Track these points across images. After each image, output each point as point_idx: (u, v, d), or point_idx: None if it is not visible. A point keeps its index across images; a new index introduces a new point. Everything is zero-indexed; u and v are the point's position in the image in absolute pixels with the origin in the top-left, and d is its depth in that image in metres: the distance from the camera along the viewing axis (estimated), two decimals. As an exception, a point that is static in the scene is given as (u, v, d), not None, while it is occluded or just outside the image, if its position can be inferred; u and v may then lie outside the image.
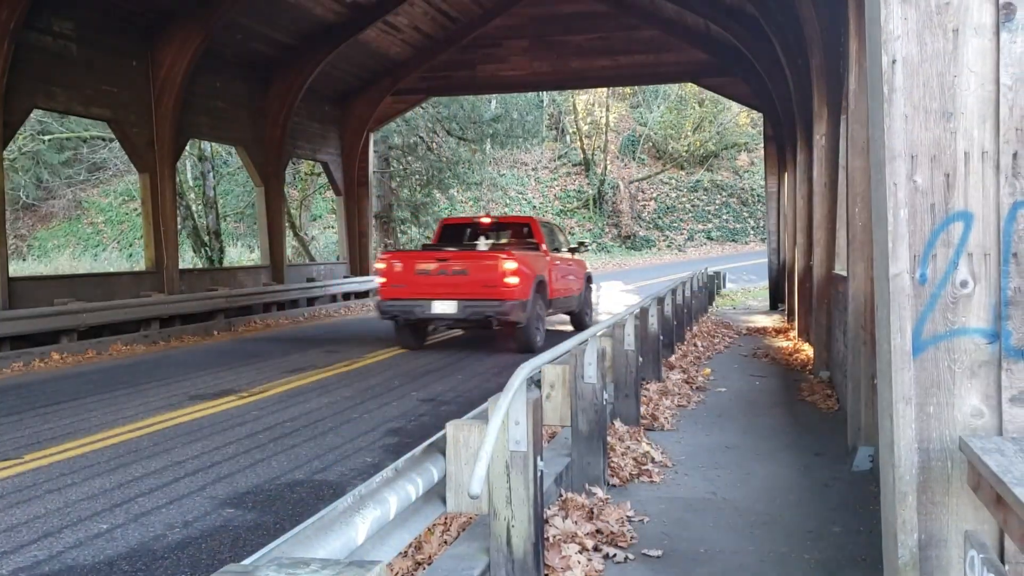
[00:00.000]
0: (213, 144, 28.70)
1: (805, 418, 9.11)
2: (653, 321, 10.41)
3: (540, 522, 4.47)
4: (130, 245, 42.45)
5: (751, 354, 13.93)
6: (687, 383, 10.84)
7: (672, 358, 12.24)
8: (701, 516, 5.90)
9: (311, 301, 22.36)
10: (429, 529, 5.33)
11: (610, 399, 8.34)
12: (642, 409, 8.72)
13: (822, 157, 10.96)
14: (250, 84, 21.32)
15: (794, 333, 15.93)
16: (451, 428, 4.32)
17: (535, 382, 6.24)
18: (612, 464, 6.75)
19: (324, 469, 7.17)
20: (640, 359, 8.91)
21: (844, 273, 10.09)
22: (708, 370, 12.05)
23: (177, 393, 10.83)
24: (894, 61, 2.84)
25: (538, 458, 4.42)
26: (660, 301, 11.35)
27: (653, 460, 7.18)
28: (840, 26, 10.66)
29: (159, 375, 12.42)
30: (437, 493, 4.40)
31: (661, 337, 10.83)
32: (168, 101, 17.59)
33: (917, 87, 2.86)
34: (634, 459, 7.06)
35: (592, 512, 5.70)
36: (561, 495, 5.91)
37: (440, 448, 4.42)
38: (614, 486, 6.49)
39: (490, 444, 3.92)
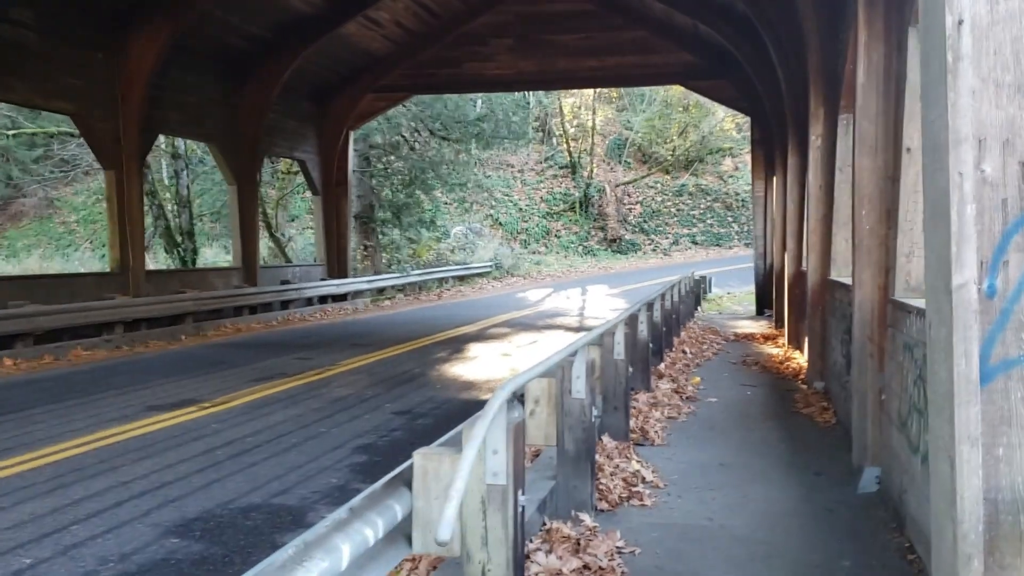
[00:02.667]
0: (188, 141, 27.96)
1: (801, 433, 8.58)
2: (643, 328, 9.86)
3: (521, 566, 3.89)
4: (103, 245, 41.41)
5: (741, 361, 13.42)
6: (677, 393, 10.30)
7: (661, 366, 11.70)
8: (697, 546, 5.34)
9: (285, 304, 21.68)
10: (396, 568, 4.74)
11: (598, 413, 7.79)
12: (632, 422, 8.16)
13: (818, 159, 10.46)
14: (223, 79, 20.64)
15: (783, 340, 15.44)
16: (419, 458, 3.74)
17: (518, 397, 5.68)
18: (600, 486, 6.19)
19: (284, 491, 6.56)
20: (630, 369, 8.36)
21: (842, 280, 9.59)
22: (698, 379, 11.52)
23: (134, 403, 10.18)
24: (960, 22, 2.29)
25: (519, 492, 3.85)
26: (650, 307, 10.81)
27: (644, 480, 6.62)
28: (839, 21, 10.18)
29: (118, 383, 11.75)
30: (402, 532, 3.82)
31: (650, 345, 10.29)
32: (135, 95, 16.90)
33: (987, 55, 2.31)
34: (624, 480, 6.50)
35: (579, 544, 5.14)
36: (544, 524, 5.35)
37: (406, 480, 3.84)
38: (603, 511, 5.93)
39: (462, 480, 3.33)
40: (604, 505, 5.99)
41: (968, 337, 2.32)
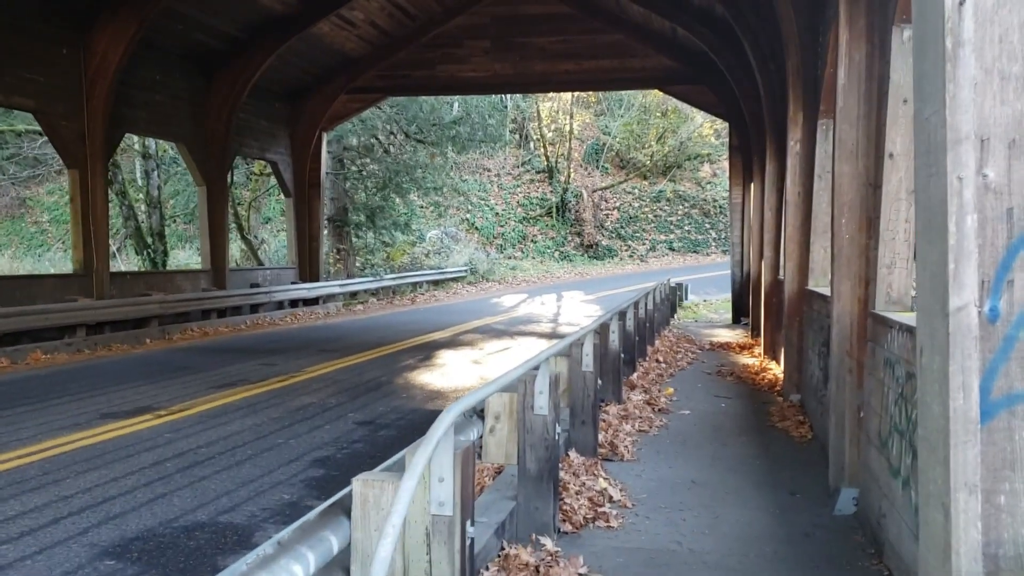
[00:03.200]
0: (160, 141, 27.43)
1: (776, 448, 8.31)
2: (614, 337, 9.57)
3: (469, 603, 3.57)
4: (74, 245, 40.72)
5: (715, 372, 13.16)
6: (649, 404, 10.02)
7: (633, 376, 11.41)
8: (665, 573, 5.04)
9: (255, 308, 21.22)
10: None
11: (565, 428, 7.47)
12: (600, 436, 7.86)
13: (796, 165, 10.22)
14: (193, 77, 20.18)
15: (759, 350, 15.21)
16: (358, 484, 3.41)
17: (477, 413, 5.36)
18: (564, 506, 5.87)
19: (232, 508, 6.20)
20: (599, 381, 8.06)
21: (820, 290, 9.35)
22: (671, 390, 11.24)
23: (88, 410, 9.76)
24: (962, 3, 1.99)
25: (468, 523, 3.52)
26: (622, 315, 10.52)
27: (611, 499, 6.32)
28: (819, 24, 9.95)
29: (74, 388, 11.32)
30: (340, 565, 3.50)
31: (622, 355, 9.99)
32: (101, 93, 16.42)
33: (992, 42, 2.01)
34: (590, 499, 6.19)
35: (538, 571, 4.83)
36: (503, 548, 5.02)
37: (345, 508, 3.51)
38: (566, 534, 5.61)
39: (399, 514, 2.99)
40: (568, 527, 5.67)
41: (967, 368, 2.03)
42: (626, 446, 7.90)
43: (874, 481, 5.62)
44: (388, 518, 2.93)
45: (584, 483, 6.47)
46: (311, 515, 3.41)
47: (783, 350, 11.76)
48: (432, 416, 8.61)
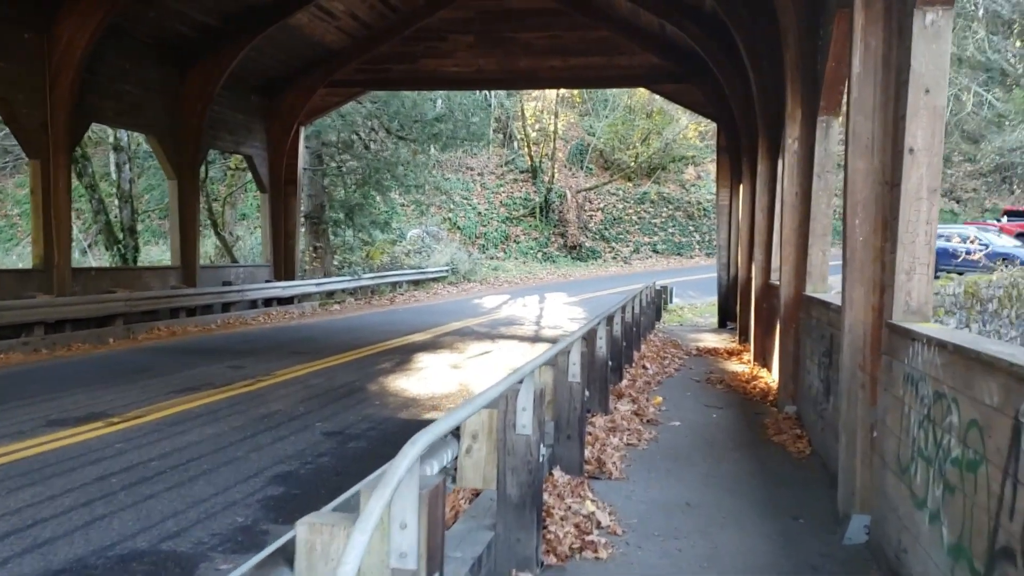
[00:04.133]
0: (133, 133, 26.64)
1: (774, 465, 7.76)
2: (602, 344, 9.00)
3: (435, 671, 2.98)
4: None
5: (705, 379, 12.62)
6: (637, 415, 9.46)
7: (621, 384, 10.85)
8: (662, 614, 4.48)
9: (227, 307, 20.50)
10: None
11: (549, 443, 6.90)
12: (587, 452, 7.29)
13: (794, 164, 9.69)
14: (165, 67, 19.44)
15: (749, 356, 14.69)
16: (304, 529, 2.82)
17: (453, 432, 4.76)
18: (548, 535, 5.30)
19: (178, 534, 5.57)
20: (587, 392, 7.48)
21: (819, 296, 8.82)
22: (659, 399, 10.68)
23: (35, 416, 9.09)
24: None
25: (435, 577, 2.93)
26: (610, 320, 9.96)
27: (599, 525, 5.74)
28: (820, 15, 9.42)
29: (24, 392, 10.62)
30: (280, 624, 2.91)
31: (609, 362, 9.43)
32: (65, 81, 15.68)
33: None
34: (576, 525, 5.61)
35: (519, 615, 4.25)
36: (479, 587, 4.44)
37: (288, 557, 2.92)
38: (550, 567, 5.04)
39: (351, 568, 2.38)
40: (552, 559, 5.10)
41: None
42: (614, 462, 7.32)
43: (891, 510, 5.07)
44: (336, 572, 2.33)
45: (570, 506, 5.90)
46: (246, 567, 2.81)
47: (777, 358, 11.24)
48: (406, 427, 7.98)
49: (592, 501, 6.13)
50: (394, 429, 8.77)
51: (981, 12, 46.03)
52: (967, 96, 47.22)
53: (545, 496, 5.65)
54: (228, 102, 21.68)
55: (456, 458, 4.73)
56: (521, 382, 4.81)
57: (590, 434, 7.91)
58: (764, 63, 13.04)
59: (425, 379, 12.12)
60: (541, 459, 5.06)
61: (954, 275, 16.63)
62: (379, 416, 9.52)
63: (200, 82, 19.71)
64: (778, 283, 12.08)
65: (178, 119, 19.65)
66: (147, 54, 18.93)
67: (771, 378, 12.16)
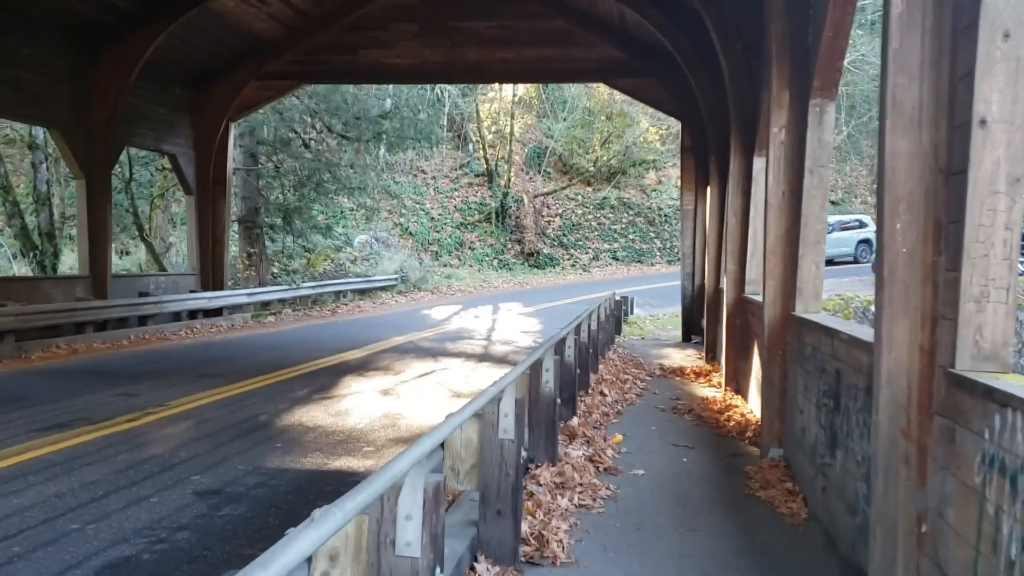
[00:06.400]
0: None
1: (764, 535, 6.11)
2: (548, 378, 7.31)
3: None
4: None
5: (671, 408, 11.00)
6: (592, 461, 7.80)
7: (573, 421, 9.17)
8: None
9: (143, 320, 18.50)
10: None
11: (473, 520, 5.20)
12: (524, 526, 5.59)
13: (780, 157, 8.10)
14: (71, 54, 17.44)
15: (720, 379, 13.10)
16: None
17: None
18: None
19: None
20: (526, 449, 5.79)
21: (814, 319, 7.22)
22: (619, 436, 9.02)
23: None
24: None
25: None
26: (560, 347, 8.28)
27: (535, 653, 4.04)
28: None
29: None
30: None
31: (558, 399, 7.74)
32: (-57, 63, 13.69)
33: None
34: (501, 659, 3.90)
35: None
36: None
37: None
38: None
39: None
40: None
41: None
42: (560, 539, 5.62)
43: (961, 652, 3.43)
44: None
45: (493, 626, 4.19)
46: None
47: (757, 388, 9.65)
48: (306, 481, 6.06)
49: (527, 612, 4.43)
50: (286, 486, 7.00)
51: None
52: None
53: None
54: (148, 95, 19.71)
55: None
56: (405, 475, 3.09)
57: (532, 497, 6.21)
58: (737, 46, 11.48)
59: (347, 411, 10.33)
60: (440, 586, 3.33)
61: None
62: (275, 466, 7.72)
63: (112, 71, 17.74)
64: (755, 297, 10.51)
65: (87, 112, 17.66)
66: (52, 39, 16.93)
67: (747, 408, 10.57)
